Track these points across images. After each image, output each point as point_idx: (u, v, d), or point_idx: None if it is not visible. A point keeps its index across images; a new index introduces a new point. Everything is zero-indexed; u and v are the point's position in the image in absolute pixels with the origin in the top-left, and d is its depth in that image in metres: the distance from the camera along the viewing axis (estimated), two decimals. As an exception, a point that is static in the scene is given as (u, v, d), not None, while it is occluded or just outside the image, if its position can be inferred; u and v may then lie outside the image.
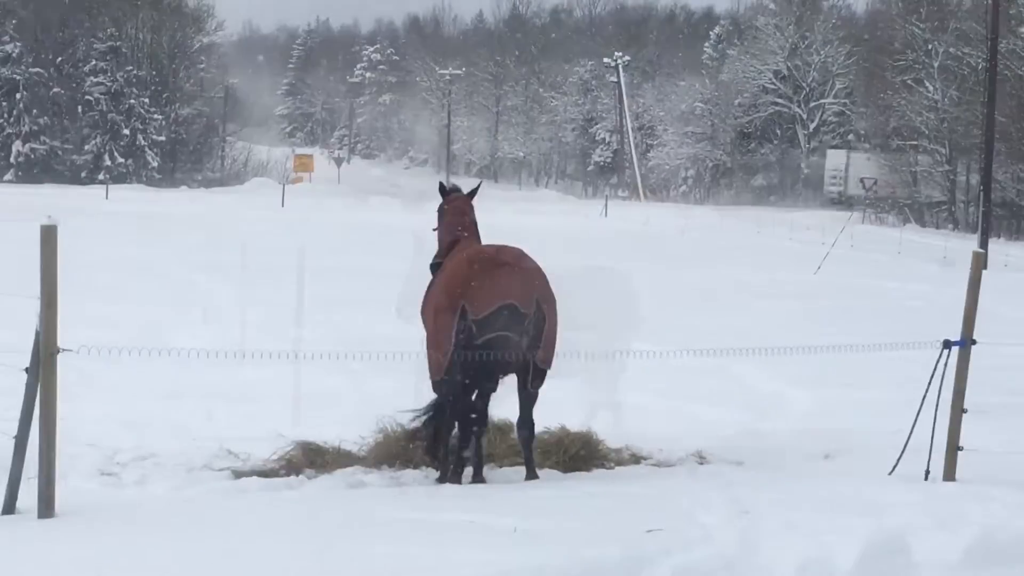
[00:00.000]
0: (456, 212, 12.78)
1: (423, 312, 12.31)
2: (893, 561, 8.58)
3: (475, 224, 12.81)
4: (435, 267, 12.59)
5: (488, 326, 11.35)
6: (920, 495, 10.35)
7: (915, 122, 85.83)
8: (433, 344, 11.75)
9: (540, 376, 11.95)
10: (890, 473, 11.53)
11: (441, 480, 11.57)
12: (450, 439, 11.79)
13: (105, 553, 8.29)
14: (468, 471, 11.61)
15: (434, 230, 12.99)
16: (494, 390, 11.95)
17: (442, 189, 13.13)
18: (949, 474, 11.29)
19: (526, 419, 11.82)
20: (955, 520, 9.44)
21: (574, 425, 13.08)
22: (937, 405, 11.38)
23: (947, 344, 11.49)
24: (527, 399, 11.87)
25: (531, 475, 11.71)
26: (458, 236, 12.54)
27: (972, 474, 11.19)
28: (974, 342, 11.48)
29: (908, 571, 8.53)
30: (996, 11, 53.51)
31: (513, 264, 11.73)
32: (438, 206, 13.03)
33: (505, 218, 70.98)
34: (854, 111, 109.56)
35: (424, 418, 11.94)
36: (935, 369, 11.43)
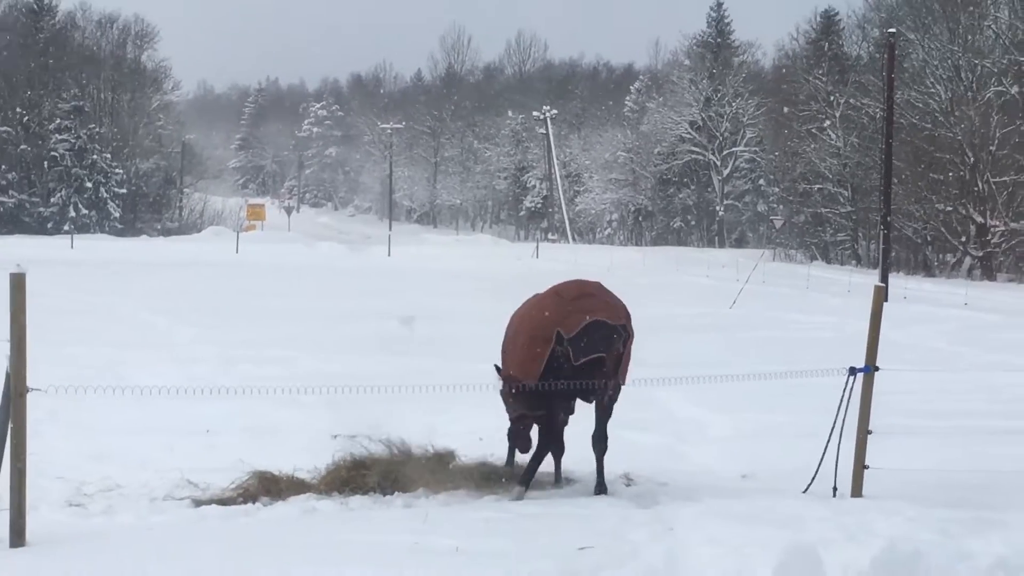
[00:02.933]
0: None
1: (506, 353, 12.56)
2: (807, 571, 8.61)
3: None
4: None
5: (581, 345, 11.64)
6: (830, 510, 10.39)
7: (820, 167, 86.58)
8: (522, 372, 11.91)
9: (618, 392, 12.26)
10: (804, 491, 11.58)
11: (520, 496, 11.67)
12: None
13: (73, 579, 8.22)
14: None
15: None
16: (572, 412, 12.43)
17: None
18: (857, 490, 11.36)
19: (603, 433, 12.14)
20: (863, 533, 9.49)
21: (500, 450, 13.10)
22: (842, 427, 11.46)
23: (853, 371, 11.57)
24: (605, 415, 12.20)
25: (601, 489, 11.92)
26: None
27: (877, 490, 11.26)
28: (877, 368, 11.57)
29: (820, 581, 8.56)
30: (891, 65, 54.16)
31: (595, 292, 12.19)
32: None
33: (444, 263, 71.23)
34: (763, 157, 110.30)
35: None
36: (842, 394, 11.51)
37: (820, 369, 12.66)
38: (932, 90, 73.53)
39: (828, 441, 11.57)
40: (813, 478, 11.66)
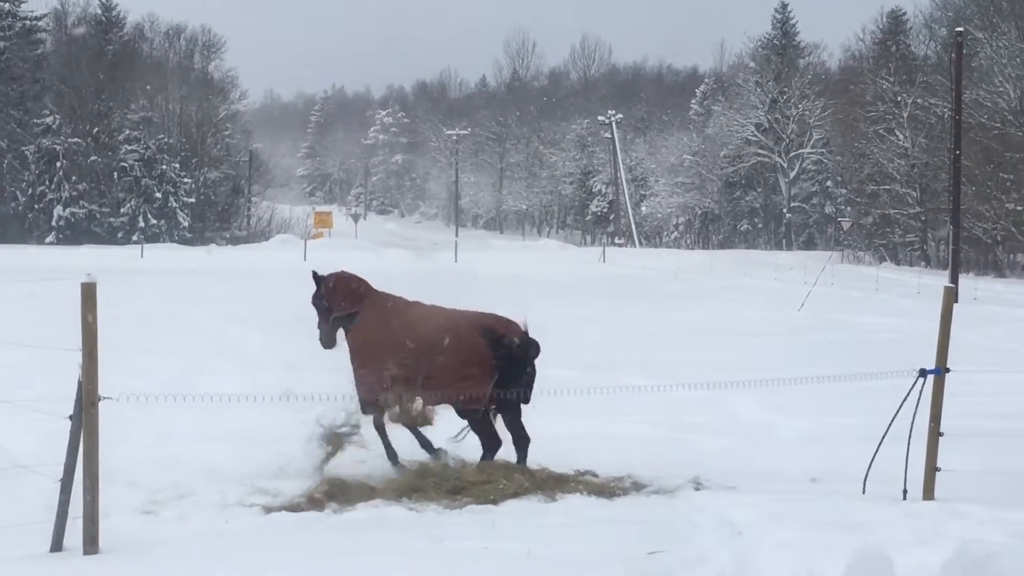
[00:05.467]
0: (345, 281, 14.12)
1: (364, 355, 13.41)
2: (877, 574, 8.56)
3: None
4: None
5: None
6: (901, 513, 10.34)
7: (887, 168, 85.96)
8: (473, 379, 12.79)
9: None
10: (863, 492, 11.50)
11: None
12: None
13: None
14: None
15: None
16: None
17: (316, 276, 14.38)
18: (928, 493, 11.28)
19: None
20: (934, 536, 9.44)
21: (570, 455, 13.14)
22: (912, 429, 11.37)
23: (923, 372, 11.50)
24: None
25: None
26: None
27: (949, 493, 11.17)
28: (948, 370, 11.49)
29: (891, 584, 8.52)
30: (959, 64, 53.72)
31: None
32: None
33: (511, 268, 71.26)
34: (831, 159, 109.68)
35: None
36: (908, 395, 11.43)
37: (890, 371, 12.58)
38: (1001, 89, 72.84)
39: (882, 441, 11.48)
40: (865, 478, 11.60)
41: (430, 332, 13.06)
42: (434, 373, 12.84)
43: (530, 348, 13.10)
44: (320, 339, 14.22)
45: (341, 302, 13.89)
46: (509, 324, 13.28)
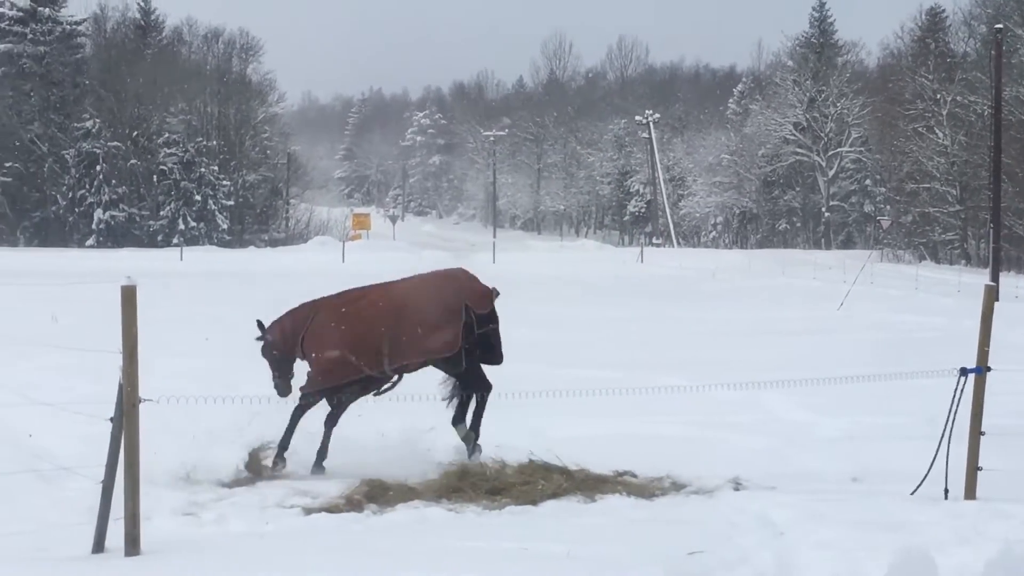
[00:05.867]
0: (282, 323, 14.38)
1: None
2: (919, 574, 8.52)
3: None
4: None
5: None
6: (943, 513, 10.28)
7: (927, 166, 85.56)
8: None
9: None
10: (912, 493, 11.45)
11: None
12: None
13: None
14: None
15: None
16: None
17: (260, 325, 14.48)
18: (970, 493, 11.22)
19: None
20: (977, 536, 9.39)
21: (609, 455, 13.15)
22: (952, 428, 11.31)
23: (964, 371, 11.43)
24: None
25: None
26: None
27: (991, 492, 11.11)
28: (989, 369, 11.42)
29: (934, 585, 8.47)
30: (999, 61, 53.44)
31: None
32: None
33: (549, 269, 71.28)
34: (869, 158, 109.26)
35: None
36: (954, 395, 11.37)
37: (930, 370, 12.52)
38: (1041, 86, 72.48)
39: (940, 443, 11.42)
40: (923, 480, 11.53)
41: (395, 298, 13.95)
42: (406, 333, 13.54)
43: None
44: (276, 388, 14.29)
45: (292, 341, 14.19)
46: (473, 278, 14.23)
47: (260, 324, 14.38)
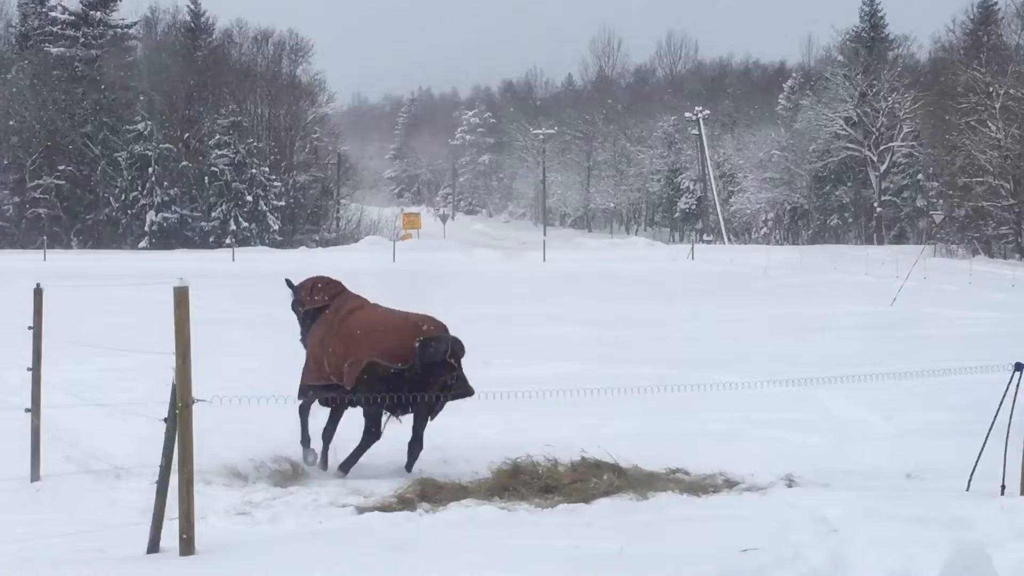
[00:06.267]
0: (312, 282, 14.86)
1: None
2: (976, 571, 8.47)
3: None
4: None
5: None
6: (999, 509, 10.22)
7: (980, 160, 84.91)
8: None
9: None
10: (967, 489, 11.38)
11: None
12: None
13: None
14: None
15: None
16: None
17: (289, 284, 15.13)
18: (1025, 489, 11.15)
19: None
20: (1033, 532, 9.33)
21: (661, 452, 13.15)
22: (1010, 423, 11.24)
23: (1019, 366, 11.35)
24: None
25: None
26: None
27: (1047, 488, 11.04)
28: (1045, 364, 11.34)
29: (990, 581, 8.43)
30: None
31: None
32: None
33: (600, 266, 71.24)
34: (922, 152, 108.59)
35: None
36: (1008, 389, 11.29)
37: (985, 366, 12.45)
38: (1096, 77, 71.86)
39: (986, 438, 11.34)
40: (972, 474, 11.46)
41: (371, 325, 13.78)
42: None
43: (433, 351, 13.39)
44: (302, 343, 14.65)
45: (307, 299, 14.54)
46: (439, 325, 13.75)
47: (289, 282, 14.98)
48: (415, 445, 13.59)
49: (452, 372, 13.43)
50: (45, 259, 74.61)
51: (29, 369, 13.40)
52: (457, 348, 13.53)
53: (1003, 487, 11.17)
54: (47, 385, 13.73)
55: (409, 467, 13.50)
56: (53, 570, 9.10)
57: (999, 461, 11.25)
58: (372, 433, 13.52)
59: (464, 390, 13.56)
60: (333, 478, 13.21)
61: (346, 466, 13.47)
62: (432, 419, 13.69)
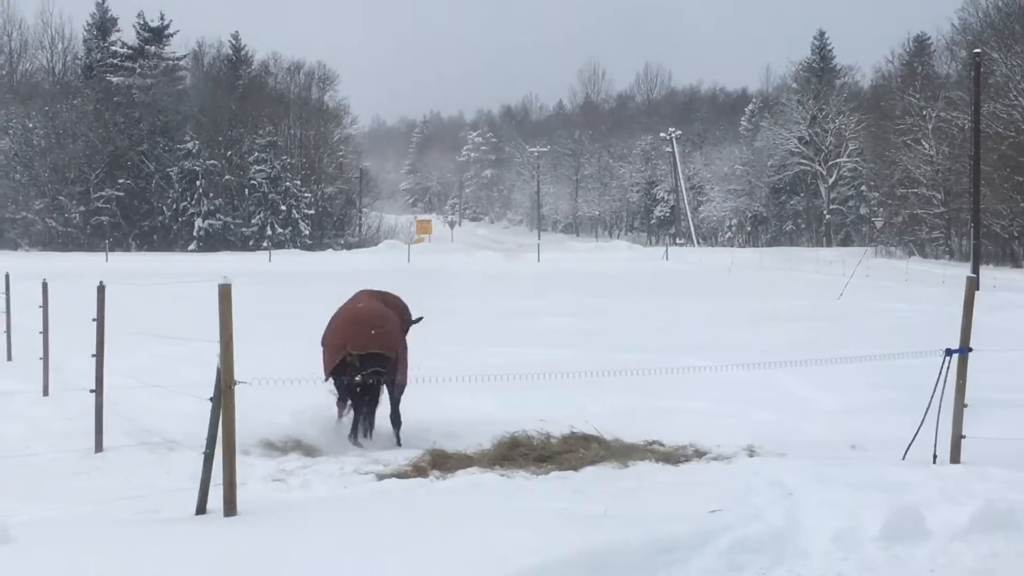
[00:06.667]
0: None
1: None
2: (911, 529, 8.50)
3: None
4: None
5: None
6: (931, 475, 10.23)
7: (915, 174, 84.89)
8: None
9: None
10: (903, 458, 11.39)
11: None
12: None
13: (280, 542, 8.38)
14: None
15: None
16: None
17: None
18: (955, 457, 11.15)
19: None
20: (961, 495, 9.34)
21: (640, 427, 13.15)
22: (941, 401, 11.25)
23: (949, 352, 11.37)
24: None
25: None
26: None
27: (974, 457, 11.04)
28: (971, 349, 11.35)
29: (923, 537, 8.45)
30: (978, 81, 53.05)
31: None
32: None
33: (587, 266, 71.17)
34: (864, 167, 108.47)
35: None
36: (940, 372, 11.31)
37: (920, 351, 12.46)
38: (1015, 102, 71.67)
39: (925, 414, 11.36)
40: (910, 446, 11.48)
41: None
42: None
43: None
44: None
45: None
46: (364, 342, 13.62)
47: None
48: (391, 419, 13.74)
49: (377, 374, 13.38)
50: (107, 260, 74.66)
51: (93, 356, 13.41)
52: (370, 363, 13.34)
53: (935, 456, 11.18)
54: (109, 370, 13.75)
55: (397, 440, 13.57)
56: (115, 529, 9.10)
57: (932, 434, 11.27)
58: (355, 407, 13.73)
59: (392, 379, 13.53)
60: (355, 450, 13.21)
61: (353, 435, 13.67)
62: (394, 403, 13.76)
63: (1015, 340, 24.38)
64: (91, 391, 13.35)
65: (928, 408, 11.32)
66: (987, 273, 51.51)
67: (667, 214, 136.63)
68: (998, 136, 69.95)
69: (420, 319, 14.94)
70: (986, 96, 64.80)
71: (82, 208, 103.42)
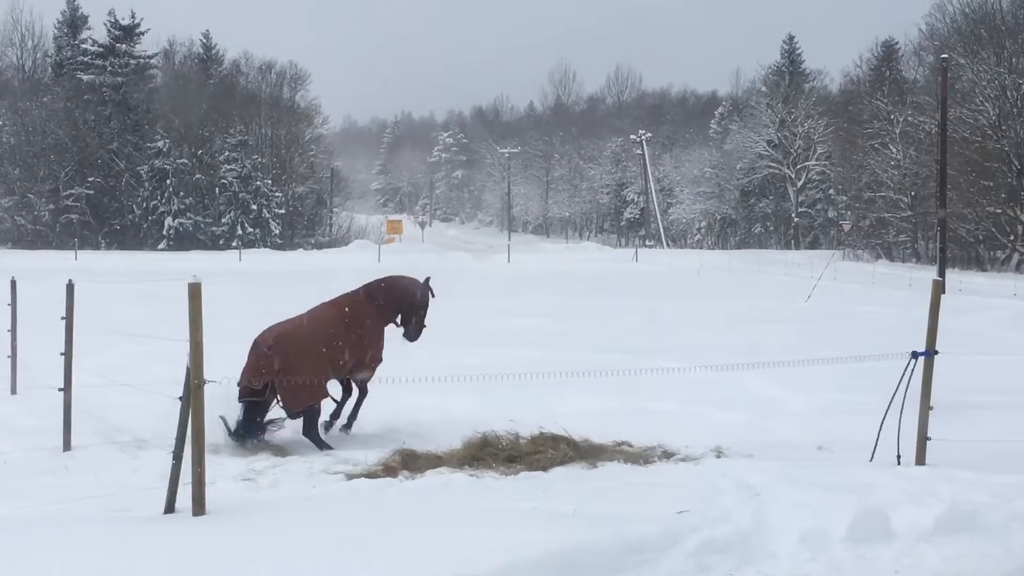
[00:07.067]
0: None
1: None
2: (877, 530, 8.54)
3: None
4: None
5: None
6: (897, 477, 10.27)
7: (882, 177, 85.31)
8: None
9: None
10: (870, 460, 11.44)
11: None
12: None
13: (249, 542, 8.35)
14: None
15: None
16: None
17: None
18: (920, 459, 11.21)
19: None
20: (926, 496, 9.38)
21: (609, 428, 13.16)
22: (904, 403, 11.30)
23: (915, 354, 11.42)
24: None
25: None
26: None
27: (939, 459, 11.10)
28: (936, 352, 11.41)
29: (889, 538, 8.49)
30: (945, 86, 53.34)
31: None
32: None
33: (556, 267, 71.19)
34: (833, 170, 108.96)
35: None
36: (904, 374, 11.36)
37: (886, 353, 12.52)
38: (981, 108, 72.14)
39: (885, 415, 11.41)
40: (875, 447, 11.53)
41: None
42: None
43: None
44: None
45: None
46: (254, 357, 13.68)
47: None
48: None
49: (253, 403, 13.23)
50: (76, 258, 74.24)
51: (62, 354, 13.34)
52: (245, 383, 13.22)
53: (899, 458, 11.24)
54: (78, 368, 13.68)
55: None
56: (83, 528, 9.05)
57: (897, 436, 11.32)
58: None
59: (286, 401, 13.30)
60: (325, 450, 13.18)
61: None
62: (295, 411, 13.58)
63: (980, 343, 24.57)
64: (60, 389, 13.28)
65: (888, 409, 11.38)
66: (953, 277, 51.83)
67: (637, 216, 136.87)
68: (964, 141, 70.38)
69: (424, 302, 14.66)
70: (953, 101, 65.21)
71: (51, 206, 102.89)
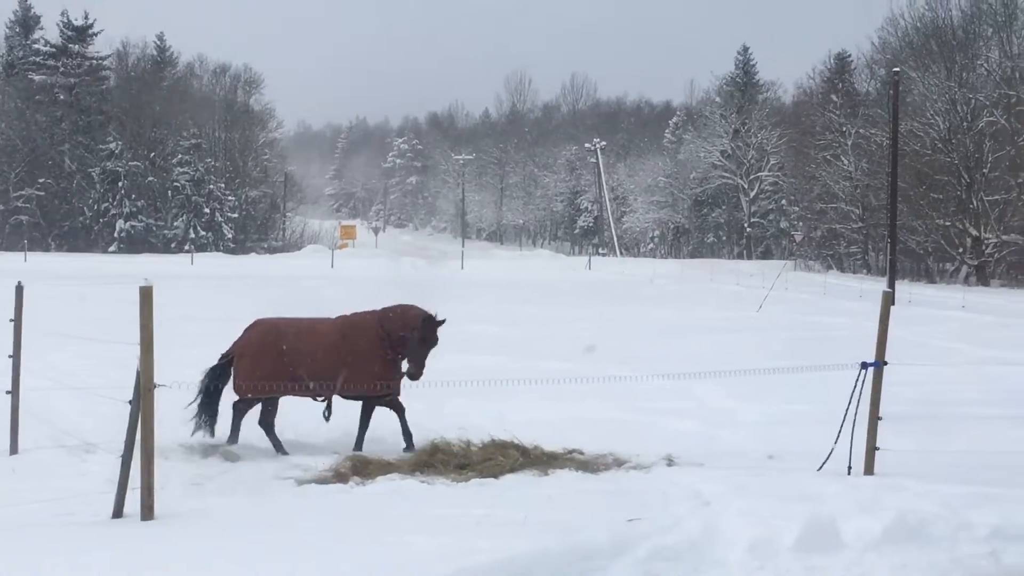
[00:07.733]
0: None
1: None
2: (826, 539, 8.57)
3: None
4: None
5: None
6: (846, 486, 10.32)
7: (834, 189, 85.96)
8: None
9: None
10: (819, 469, 11.50)
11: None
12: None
13: (198, 546, 8.29)
14: None
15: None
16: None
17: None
18: (869, 469, 11.26)
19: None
20: (875, 506, 9.42)
21: (560, 435, 13.16)
22: (855, 414, 11.36)
23: (864, 365, 11.48)
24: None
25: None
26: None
27: (887, 469, 11.16)
28: (886, 363, 11.48)
29: (838, 548, 8.52)
30: (896, 100, 53.84)
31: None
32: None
33: (510, 275, 71.18)
34: (785, 181, 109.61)
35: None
36: (855, 385, 11.43)
37: (836, 364, 12.58)
38: (932, 121, 72.83)
39: (841, 426, 11.48)
40: (827, 458, 11.58)
41: None
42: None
43: None
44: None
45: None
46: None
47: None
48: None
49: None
50: (26, 260, 73.50)
51: (10, 356, 13.21)
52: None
53: (849, 468, 11.30)
54: (26, 371, 13.54)
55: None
56: (29, 532, 8.96)
57: (847, 446, 11.38)
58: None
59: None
60: (275, 455, 13.12)
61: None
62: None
63: (929, 354, 24.75)
64: (7, 392, 13.14)
65: (844, 420, 11.44)
66: (903, 288, 52.22)
67: (590, 224, 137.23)
68: (915, 154, 71.04)
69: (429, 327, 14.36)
70: (904, 114, 65.84)
71: (0, 207, 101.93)
